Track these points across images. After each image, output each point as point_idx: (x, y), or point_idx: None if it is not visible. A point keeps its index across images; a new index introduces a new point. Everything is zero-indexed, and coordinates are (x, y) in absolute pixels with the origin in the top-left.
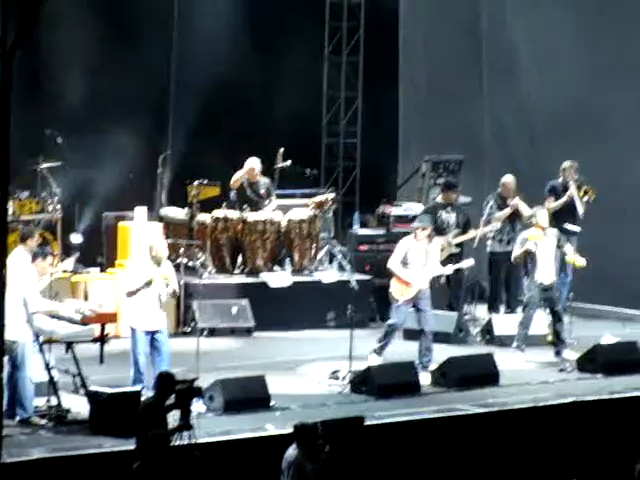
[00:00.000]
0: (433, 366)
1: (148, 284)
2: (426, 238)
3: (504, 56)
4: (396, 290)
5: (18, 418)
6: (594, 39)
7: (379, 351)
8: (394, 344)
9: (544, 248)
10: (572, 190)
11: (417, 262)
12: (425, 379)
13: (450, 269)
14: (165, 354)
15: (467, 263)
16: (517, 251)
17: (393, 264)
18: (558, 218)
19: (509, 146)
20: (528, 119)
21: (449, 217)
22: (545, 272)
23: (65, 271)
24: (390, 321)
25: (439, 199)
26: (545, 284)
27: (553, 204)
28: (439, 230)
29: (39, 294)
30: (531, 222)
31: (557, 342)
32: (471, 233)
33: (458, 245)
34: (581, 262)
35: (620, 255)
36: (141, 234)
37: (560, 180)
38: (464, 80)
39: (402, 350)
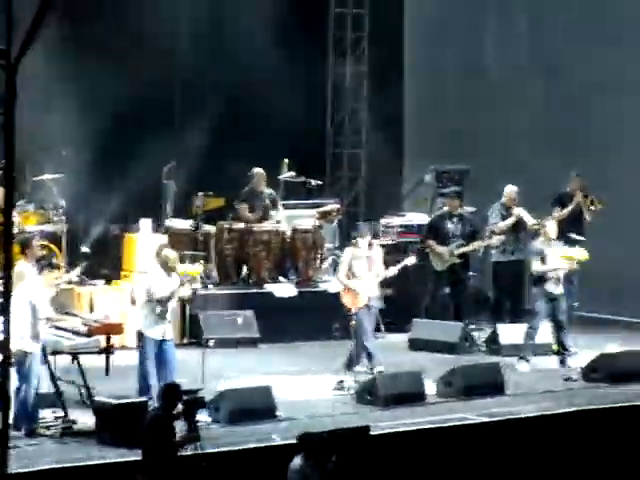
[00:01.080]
0: (433, 376)
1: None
2: (367, 246)
3: (510, 64)
4: (348, 301)
5: (24, 429)
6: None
7: (352, 365)
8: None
9: (552, 259)
10: (579, 200)
11: (362, 270)
12: (430, 389)
13: (394, 270)
14: (172, 364)
15: (410, 260)
16: (539, 267)
17: (340, 276)
18: (564, 228)
19: (513, 156)
20: (532, 129)
21: (455, 227)
22: (553, 282)
23: (70, 282)
24: (358, 334)
25: (445, 209)
26: (554, 294)
27: (559, 213)
28: (444, 240)
29: (47, 305)
30: (536, 230)
31: (562, 351)
32: (474, 244)
33: (462, 256)
34: (583, 255)
35: (625, 265)
36: (147, 246)
37: (567, 189)
38: (469, 89)
39: (408, 360)
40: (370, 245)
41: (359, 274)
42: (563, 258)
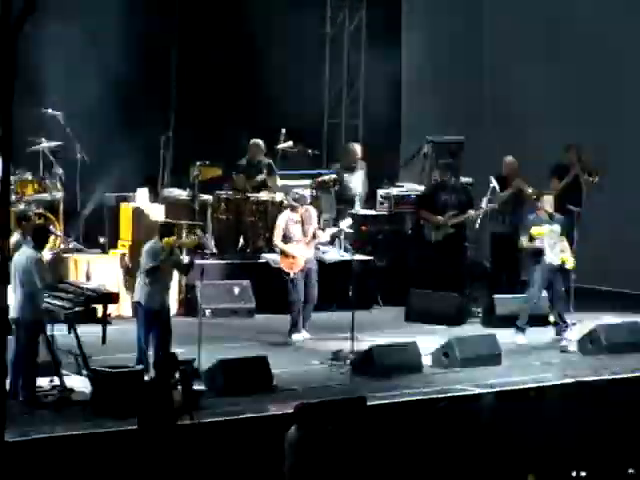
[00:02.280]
0: (430, 347)
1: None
2: (302, 211)
3: (505, 36)
4: (286, 265)
5: (21, 398)
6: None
7: (294, 330)
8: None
9: (550, 234)
10: (576, 170)
11: (297, 234)
12: (427, 359)
13: (328, 234)
14: (168, 334)
15: (345, 223)
16: (525, 243)
17: (276, 241)
18: (562, 199)
19: (510, 127)
20: (529, 99)
21: (448, 197)
22: (553, 254)
23: (67, 250)
24: (290, 298)
25: (439, 179)
26: (554, 265)
27: (557, 185)
28: (438, 211)
29: (44, 274)
30: (534, 200)
31: (559, 322)
32: (467, 213)
33: (456, 225)
34: (571, 263)
35: (623, 236)
36: (143, 215)
37: (564, 161)
38: (465, 60)
39: (403, 331)
40: (306, 209)
41: (295, 238)
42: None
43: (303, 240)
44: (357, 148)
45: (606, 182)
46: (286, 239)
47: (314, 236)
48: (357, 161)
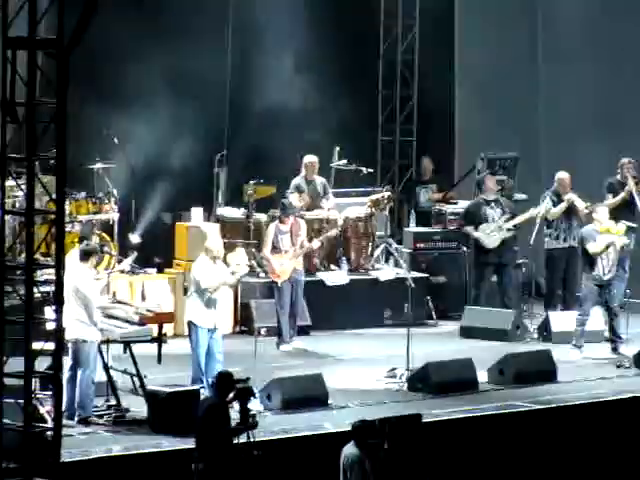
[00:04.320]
0: (485, 363)
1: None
2: (292, 222)
3: (561, 51)
4: (274, 274)
5: (77, 418)
6: None
7: (282, 339)
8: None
9: (605, 250)
10: (630, 186)
11: (286, 244)
12: (482, 376)
13: (317, 243)
14: (219, 353)
15: (332, 232)
16: (598, 247)
17: (264, 251)
18: (616, 215)
19: (564, 143)
20: (582, 115)
21: (493, 212)
22: (603, 268)
23: (122, 271)
24: (277, 306)
25: (481, 195)
26: (603, 279)
27: (611, 201)
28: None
29: (99, 294)
30: (588, 214)
31: (614, 338)
32: (521, 216)
33: (511, 230)
34: (621, 228)
35: None
36: (198, 234)
37: (617, 177)
38: (520, 76)
39: (459, 348)
40: (295, 220)
41: (284, 248)
42: (611, 235)
43: (292, 250)
44: (429, 162)
45: None
46: (275, 249)
47: (301, 247)
48: (430, 175)
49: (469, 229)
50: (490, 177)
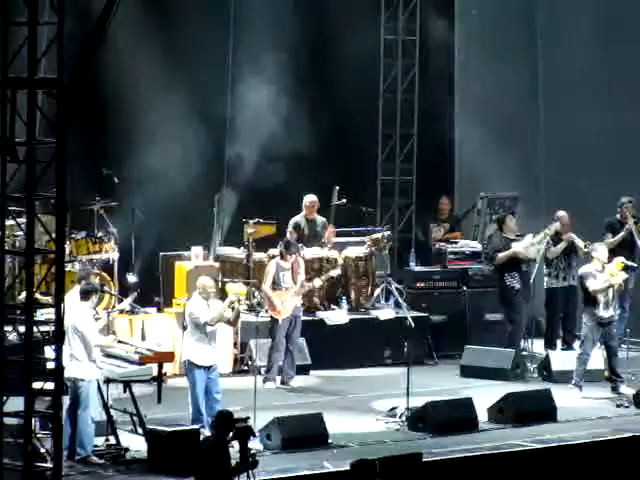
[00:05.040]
0: (485, 403)
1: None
2: (293, 259)
3: (561, 89)
4: (274, 311)
5: (77, 457)
6: None
7: (269, 376)
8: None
9: (607, 289)
10: (630, 225)
11: (287, 281)
12: (482, 416)
13: (319, 281)
14: (217, 391)
15: (335, 272)
16: (599, 285)
17: (265, 288)
18: (616, 255)
19: (564, 182)
20: (582, 154)
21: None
22: (604, 306)
23: (122, 311)
24: (272, 342)
25: (504, 234)
26: (604, 318)
27: (611, 240)
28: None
29: (99, 333)
30: (587, 253)
31: (614, 377)
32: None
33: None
34: (619, 264)
35: None
36: (198, 273)
37: (617, 216)
38: (519, 116)
39: (459, 387)
40: (295, 259)
41: (285, 285)
42: (611, 275)
43: (292, 288)
44: (447, 201)
45: None
46: (275, 286)
47: (302, 285)
48: (447, 214)
49: (501, 255)
50: (511, 217)
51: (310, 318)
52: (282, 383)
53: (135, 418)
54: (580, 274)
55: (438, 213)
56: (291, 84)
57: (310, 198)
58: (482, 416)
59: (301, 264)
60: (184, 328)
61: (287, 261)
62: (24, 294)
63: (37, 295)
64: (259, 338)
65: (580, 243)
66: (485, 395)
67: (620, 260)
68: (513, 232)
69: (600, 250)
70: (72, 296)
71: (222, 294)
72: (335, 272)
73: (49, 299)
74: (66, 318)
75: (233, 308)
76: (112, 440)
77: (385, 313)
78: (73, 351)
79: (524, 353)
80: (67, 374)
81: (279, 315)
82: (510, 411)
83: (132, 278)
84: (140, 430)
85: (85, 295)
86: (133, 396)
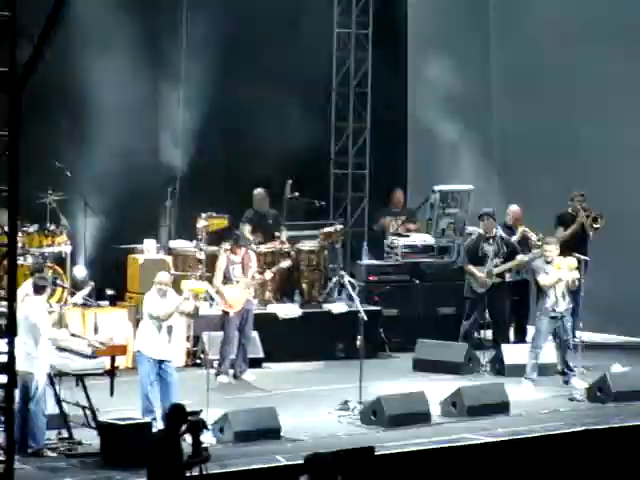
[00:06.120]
0: (438, 396)
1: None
2: (243, 253)
3: (516, 83)
4: (227, 304)
5: (30, 450)
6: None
7: (222, 369)
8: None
9: (559, 282)
10: (582, 218)
11: (238, 275)
12: (435, 409)
13: (270, 273)
14: (173, 385)
15: (285, 263)
16: (549, 280)
17: (216, 282)
18: (568, 248)
19: (516, 176)
20: (536, 149)
21: (489, 248)
22: (556, 300)
23: (75, 304)
24: (224, 337)
25: (481, 230)
26: (556, 312)
27: (563, 233)
28: (482, 261)
29: (51, 326)
30: (540, 247)
31: (566, 371)
32: (510, 263)
33: (500, 275)
34: (572, 262)
35: (629, 286)
36: (151, 267)
37: (569, 209)
38: (473, 109)
39: (411, 380)
40: (246, 252)
41: (236, 278)
42: (561, 270)
43: (243, 281)
44: (401, 194)
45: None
46: (226, 280)
47: (253, 278)
48: (401, 207)
49: (471, 267)
50: (488, 218)
51: (263, 311)
52: (235, 377)
53: (87, 411)
54: (532, 268)
55: (391, 205)
56: (244, 76)
57: (259, 191)
58: (435, 410)
59: (252, 257)
60: (138, 321)
61: (237, 254)
62: None
63: None
64: (212, 331)
65: (533, 236)
66: (438, 389)
67: (573, 260)
68: (491, 230)
69: (548, 248)
70: (25, 289)
71: (176, 288)
72: (286, 263)
73: (1, 292)
74: (19, 311)
75: (188, 298)
76: (65, 433)
77: (338, 307)
78: (25, 345)
79: (477, 346)
80: (19, 367)
81: (231, 309)
82: (463, 405)
83: (80, 271)
84: (92, 423)
85: (39, 289)
86: (85, 389)
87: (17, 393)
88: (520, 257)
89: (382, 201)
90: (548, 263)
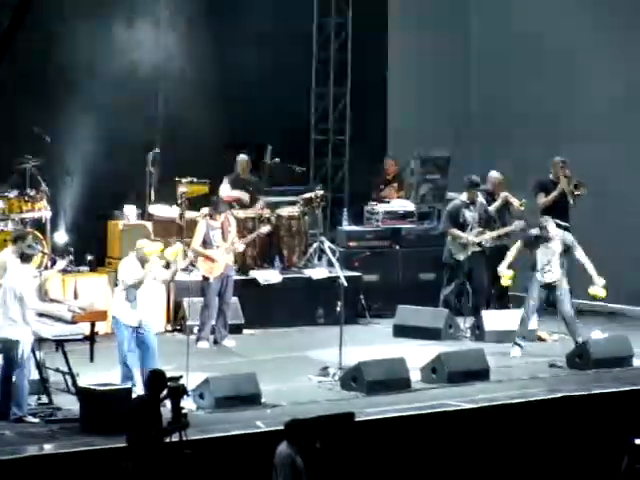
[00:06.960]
0: (418, 362)
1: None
2: (223, 218)
3: (494, 52)
4: (206, 269)
5: (13, 417)
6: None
7: (202, 335)
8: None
9: (549, 250)
10: (563, 184)
11: (217, 240)
12: (415, 375)
13: (249, 238)
14: (152, 350)
15: (264, 229)
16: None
17: (195, 246)
18: (549, 214)
19: (495, 142)
20: (512, 115)
21: (472, 215)
22: (547, 271)
23: (60, 271)
24: (204, 301)
25: (463, 197)
26: (547, 282)
27: (544, 200)
28: (462, 228)
29: (33, 293)
30: (522, 212)
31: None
32: (506, 228)
33: (480, 244)
34: (601, 293)
35: (610, 251)
36: (131, 232)
37: (550, 176)
38: (453, 75)
39: (391, 346)
40: (226, 217)
41: (215, 244)
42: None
43: (223, 246)
44: (392, 162)
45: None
46: (206, 245)
47: (233, 244)
48: (393, 175)
49: (455, 231)
50: (473, 187)
51: (243, 277)
52: (215, 342)
53: (67, 377)
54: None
55: (383, 174)
56: (224, 44)
57: (242, 157)
58: (415, 376)
59: (232, 223)
60: (115, 285)
61: (217, 220)
62: None
63: None
64: (192, 297)
65: (516, 202)
66: (418, 355)
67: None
68: (472, 198)
69: (550, 225)
70: (5, 255)
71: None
72: (265, 229)
73: None
74: (3, 279)
75: (168, 266)
76: (44, 399)
77: (318, 272)
78: (9, 312)
79: (457, 311)
80: (2, 334)
81: (210, 274)
82: (443, 371)
83: (61, 237)
84: (72, 389)
85: (26, 257)
86: (65, 355)
87: None
88: (517, 223)
89: (367, 169)
90: (546, 241)
